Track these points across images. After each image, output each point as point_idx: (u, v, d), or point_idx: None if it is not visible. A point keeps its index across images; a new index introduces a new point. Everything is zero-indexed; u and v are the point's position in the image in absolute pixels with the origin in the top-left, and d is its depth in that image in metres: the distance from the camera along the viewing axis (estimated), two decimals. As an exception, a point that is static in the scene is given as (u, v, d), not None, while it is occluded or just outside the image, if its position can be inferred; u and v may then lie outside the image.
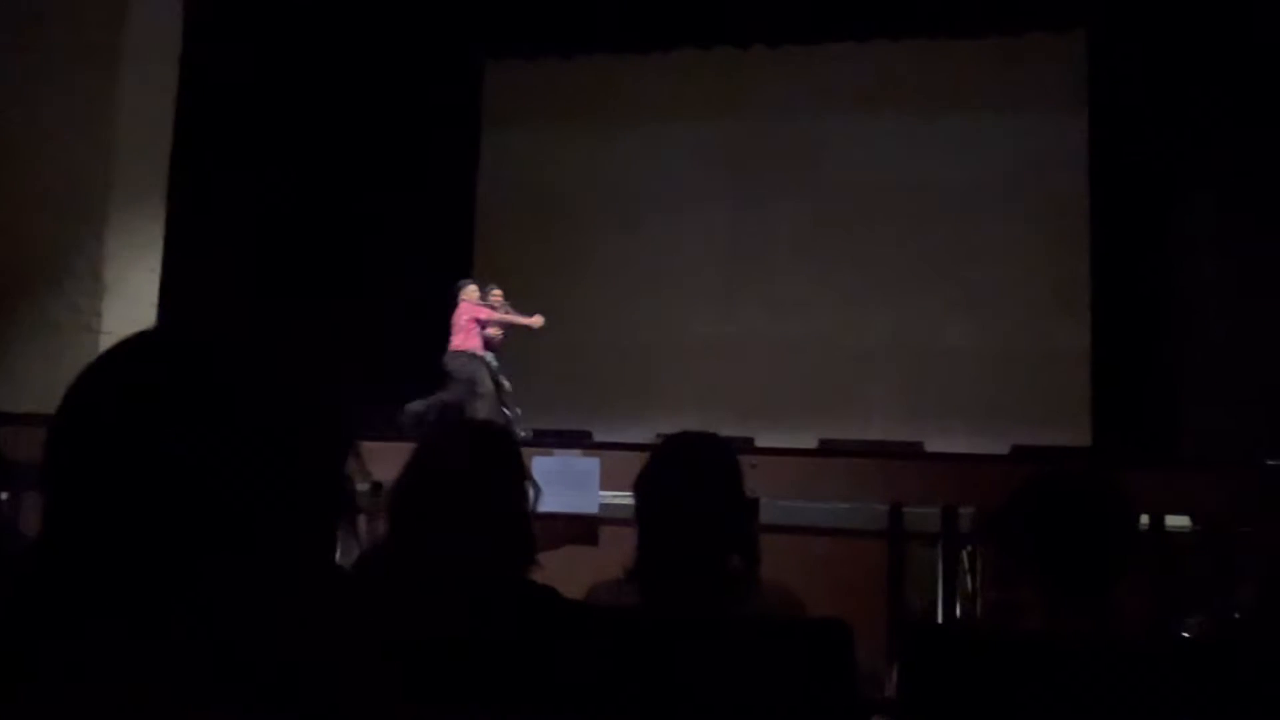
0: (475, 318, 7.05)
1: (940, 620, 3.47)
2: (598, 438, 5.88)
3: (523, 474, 1.46)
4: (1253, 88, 6.27)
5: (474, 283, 7.25)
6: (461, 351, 7.01)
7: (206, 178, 6.08)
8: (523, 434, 6.42)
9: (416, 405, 6.94)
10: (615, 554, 1.72)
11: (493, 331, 7.13)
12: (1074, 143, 7.64)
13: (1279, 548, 1.61)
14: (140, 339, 0.71)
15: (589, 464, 3.27)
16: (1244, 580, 2.58)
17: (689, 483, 1.60)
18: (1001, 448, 5.04)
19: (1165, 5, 6.92)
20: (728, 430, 5.53)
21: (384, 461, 1.64)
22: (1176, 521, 3.67)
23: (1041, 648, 1.41)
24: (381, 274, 7.53)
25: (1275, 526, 1.60)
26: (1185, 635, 2.30)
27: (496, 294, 7.23)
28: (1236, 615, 2.39)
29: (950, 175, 7.78)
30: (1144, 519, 3.55)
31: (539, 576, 1.90)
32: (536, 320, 7.08)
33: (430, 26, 7.78)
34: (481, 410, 6.76)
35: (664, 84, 8.25)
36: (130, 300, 5.27)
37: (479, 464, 1.40)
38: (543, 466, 3.20)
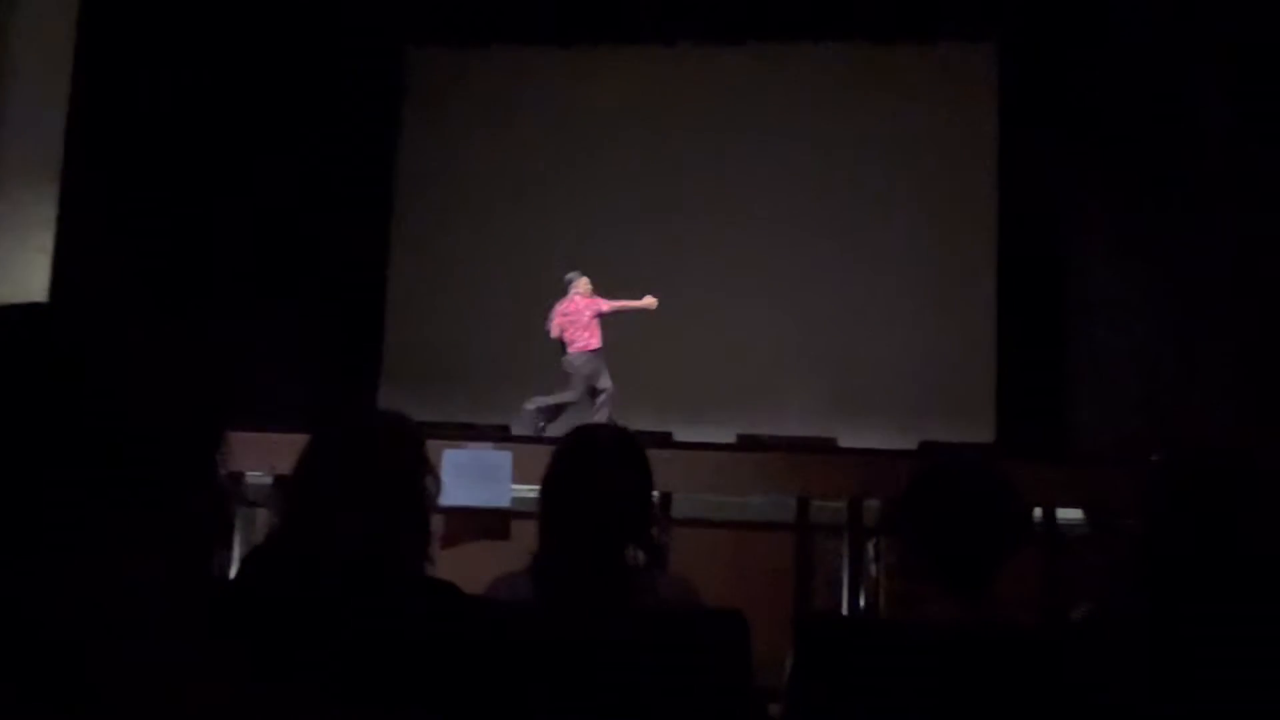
0: (599, 312, 6.58)
1: (844, 610, 3.57)
2: (515, 432, 5.86)
3: (423, 466, 1.45)
4: (1150, 100, 6.57)
5: (583, 275, 6.72)
6: (586, 352, 6.55)
7: (108, 160, 5.85)
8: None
9: (539, 402, 6.55)
10: (527, 547, 1.72)
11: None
12: (983, 149, 7.88)
13: (1157, 540, 1.70)
14: None
15: (501, 457, 3.26)
16: (1126, 570, 2.71)
17: (590, 475, 1.61)
18: (912, 443, 5.19)
19: (1073, 19, 7.20)
20: (646, 425, 5.57)
21: (287, 454, 1.61)
22: (1069, 514, 3.84)
23: (928, 636, 1.47)
24: (293, 261, 7.34)
25: (1154, 520, 1.68)
26: (1072, 623, 2.41)
27: (586, 282, 6.71)
28: (1116, 605, 2.50)
29: (863, 178, 7.95)
30: (1038, 512, 3.71)
31: (447, 570, 1.89)
32: (650, 301, 6.61)
33: (349, 13, 7.62)
34: (603, 413, 6.39)
35: (582, 78, 8.23)
36: (14, 280, 5.05)
37: (373, 456, 1.39)
38: (454, 460, 3.18)
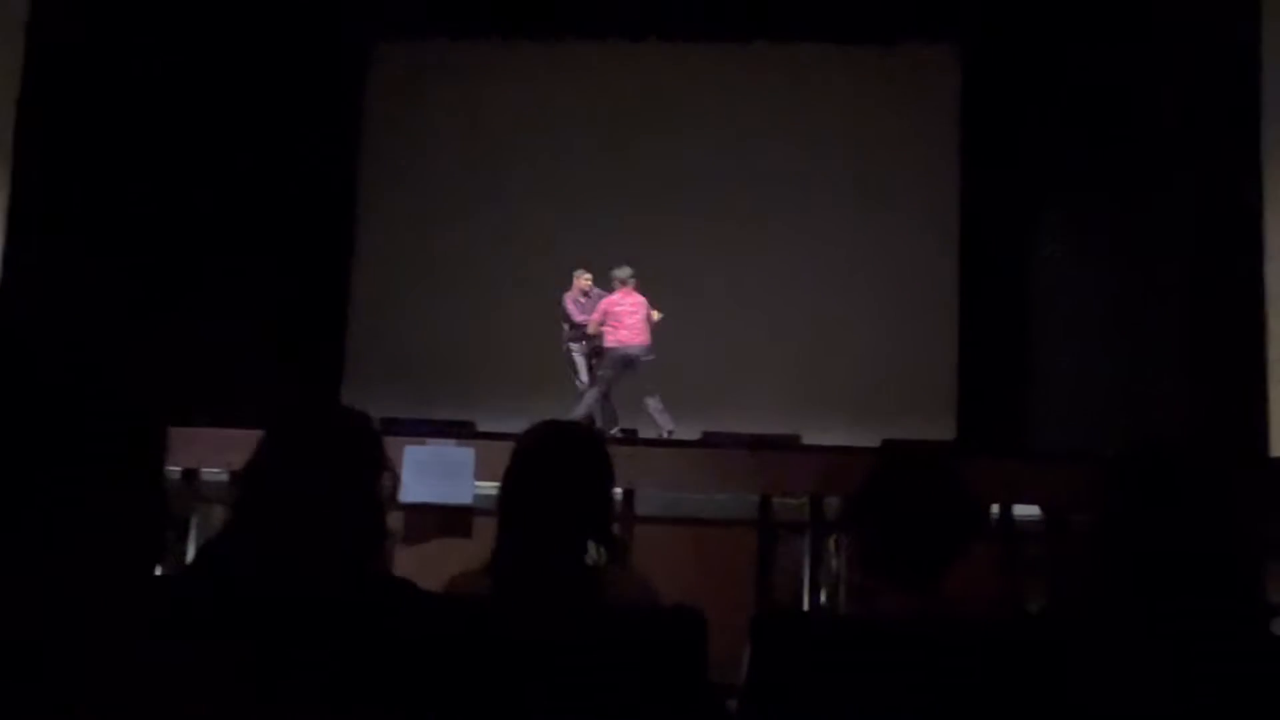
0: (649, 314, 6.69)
1: (805, 606, 3.60)
2: (481, 428, 5.83)
3: (378, 462, 1.44)
4: (1110, 105, 6.68)
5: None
6: (648, 345, 6.67)
7: (61, 155, 5.73)
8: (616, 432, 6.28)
9: (593, 396, 6.59)
10: (489, 545, 1.71)
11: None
12: (946, 150, 7.97)
13: (1111, 535, 1.73)
14: None
15: (463, 454, 3.24)
16: (1079, 565, 2.76)
17: (550, 472, 1.61)
18: (875, 441, 5.23)
19: (1033, 21, 7.29)
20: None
21: (244, 450, 1.59)
22: (1025, 511, 3.89)
23: (880, 630, 1.48)
24: (253, 257, 7.23)
25: (1108, 514, 1.71)
26: (1025, 616, 2.45)
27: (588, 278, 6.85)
28: (1070, 599, 2.54)
29: (827, 178, 8.01)
30: (995, 508, 3.76)
31: (409, 567, 1.88)
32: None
33: (311, 7, 7.52)
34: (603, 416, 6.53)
35: (547, 72, 8.20)
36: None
37: (325, 451, 1.37)
38: (415, 456, 3.16)
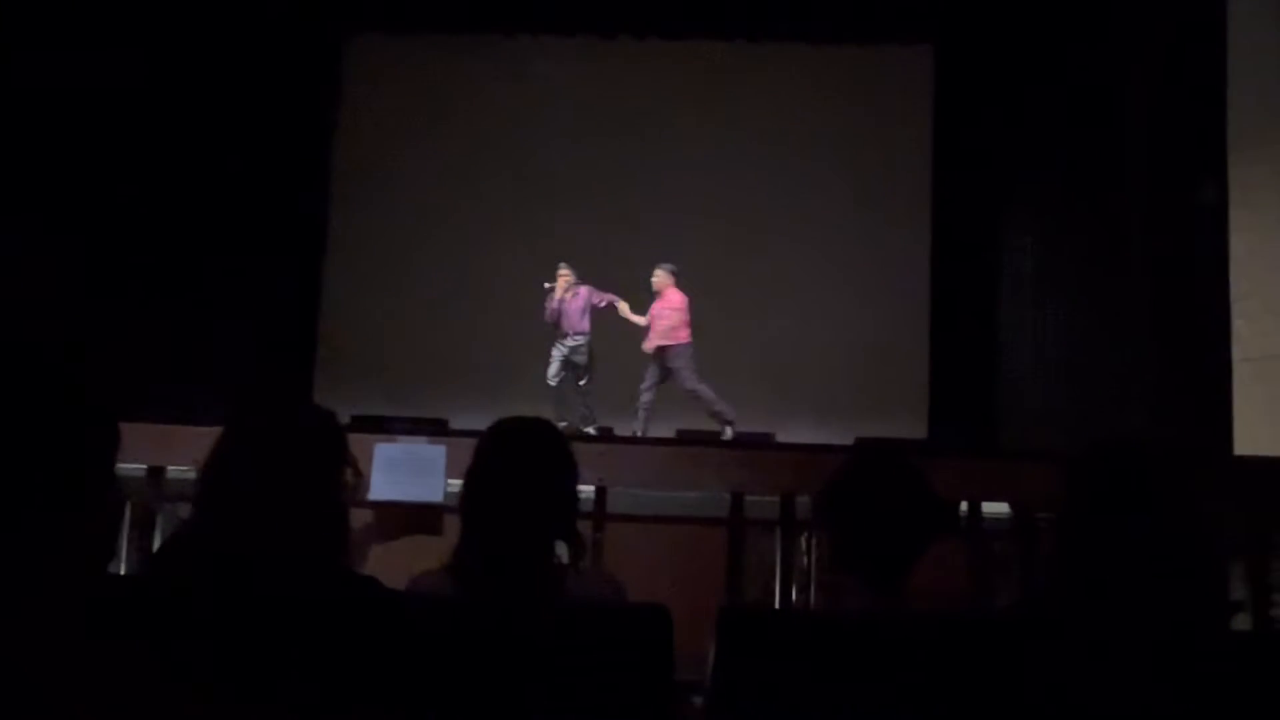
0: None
1: (776, 604, 3.61)
2: (454, 425, 5.80)
3: (342, 459, 1.42)
4: (1079, 104, 6.76)
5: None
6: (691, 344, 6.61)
7: (20, 150, 5.64)
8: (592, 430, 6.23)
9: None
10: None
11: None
12: (918, 151, 8.02)
13: (1074, 534, 1.75)
14: None
15: (434, 451, 3.20)
16: (1045, 562, 2.79)
17: (513, 470, 1.60)
18: (849, 439, 5.26)
19: (1007, 23, 7.36)
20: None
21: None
22: (995, 509, 3.93)
23: (846, 626, 1.49)
24: (222, 254, 7.14)
25: (1071, 514, 1.73)
26: (992, 612, 2.47)
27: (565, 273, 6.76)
28: (1038, 594, 2.56)
29: (801, 176, 8.03)
30: (964, 506, 3.79)
31: (378, 565, 1.86)
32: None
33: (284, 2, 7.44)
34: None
35: (521, 69, 8.16)
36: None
37: (286, 448, 1.36)
38: (386, 453, 3.12)
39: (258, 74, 7.35)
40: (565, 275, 6.81)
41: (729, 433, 6.32)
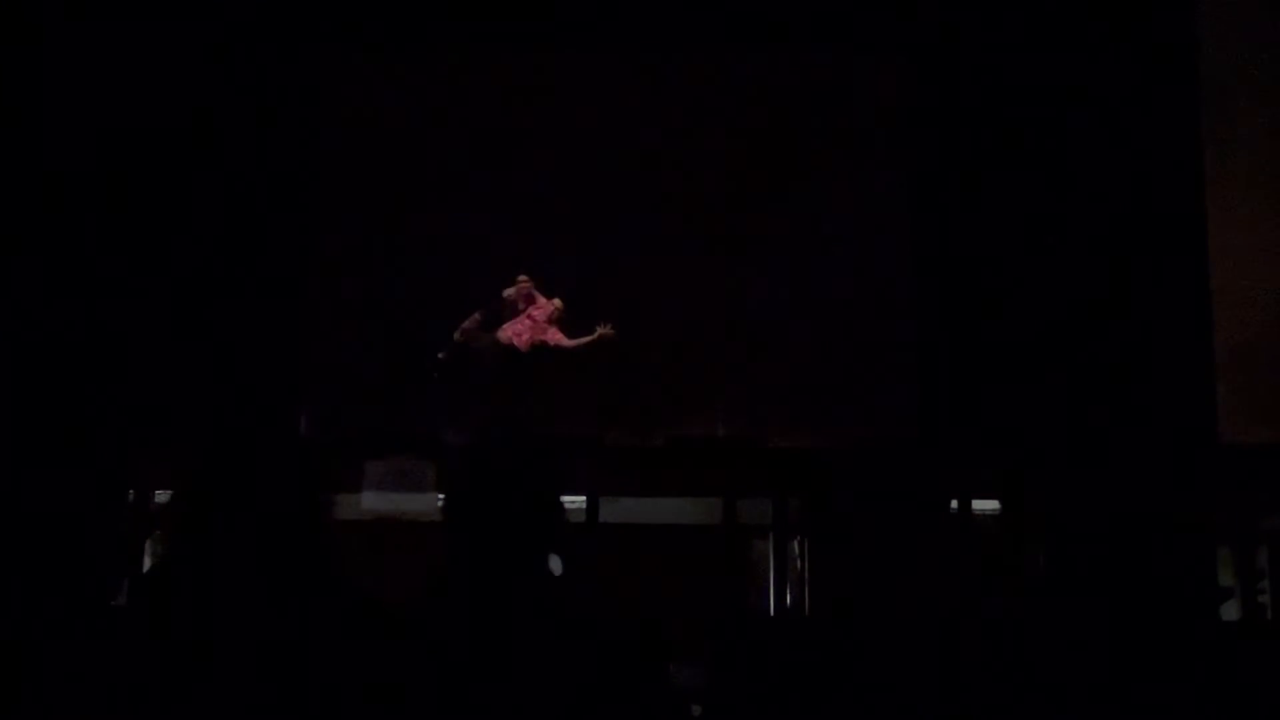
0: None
1: (771, 608, 3.60)
2: (442, 438, 5.77)
3: (317, 482, 1.40)
4: (1056, 107, 6.82)
5: None
6: None
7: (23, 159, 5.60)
8: None
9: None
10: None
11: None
12: (900, 151, 8.05)
13: (1064, 530, 1.76)
14: None
15: (423, 466, 3.21)
16: (1036, 559, 2.80)
17: (498, 480, 1.58)
18: (841, 441, 5.27)
19: (980, 31, 7.43)
20: (579, 427, 5.52)
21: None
22: (985, 505, 3.93)
23: (839, 630, 1.48)
24: (201, 278, 7.08)
25: (1061, 511, 1.74)
26: (985, 611, 2.47)
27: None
28: (1031, 591, 2.57)
29: (786, 177, 8.04)
30: (954, 503, 3.79)
31: (365, 580, 1.84)
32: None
33: (263, 13, 7.41)
34: None
35: (492, 72, 8.14)
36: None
37: (259, 472, 1.34)
38: (375, 469, 3.13)
39: (234, 87, 7.31)
40: (525, 283, 6.71)
41: None
